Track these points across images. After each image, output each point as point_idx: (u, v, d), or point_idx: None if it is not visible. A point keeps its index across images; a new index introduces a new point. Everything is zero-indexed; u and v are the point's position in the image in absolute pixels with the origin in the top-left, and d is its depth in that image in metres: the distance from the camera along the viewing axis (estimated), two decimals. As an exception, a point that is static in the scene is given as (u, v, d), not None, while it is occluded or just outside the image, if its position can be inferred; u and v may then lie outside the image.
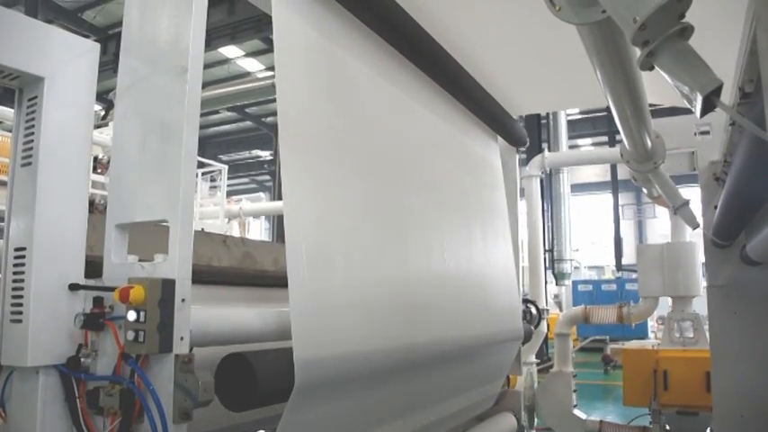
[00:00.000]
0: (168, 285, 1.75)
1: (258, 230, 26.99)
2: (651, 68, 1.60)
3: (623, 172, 25.77)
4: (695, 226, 4.14)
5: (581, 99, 5.57)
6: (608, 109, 3.01)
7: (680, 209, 4.14)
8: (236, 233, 13.43)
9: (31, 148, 1.98)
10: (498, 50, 3.97)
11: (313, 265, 2.17)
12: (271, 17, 2.27)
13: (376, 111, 3.00)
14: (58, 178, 1.98)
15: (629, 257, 25.11)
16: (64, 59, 2.05)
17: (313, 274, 2.16)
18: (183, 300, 1.79)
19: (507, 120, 4.73)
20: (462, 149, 4.19)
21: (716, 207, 4.03)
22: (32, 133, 1.99)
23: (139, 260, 1.92)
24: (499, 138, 4.93)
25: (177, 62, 1.91)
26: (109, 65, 11.91)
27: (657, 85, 2.91)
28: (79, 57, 2.07)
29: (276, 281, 2.99)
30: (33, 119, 1.99)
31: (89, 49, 2.11)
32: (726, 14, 2.57)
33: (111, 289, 1.81)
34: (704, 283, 5.82)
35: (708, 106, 1.54)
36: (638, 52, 2.40)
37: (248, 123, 24.83)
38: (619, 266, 21.87)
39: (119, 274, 1.89)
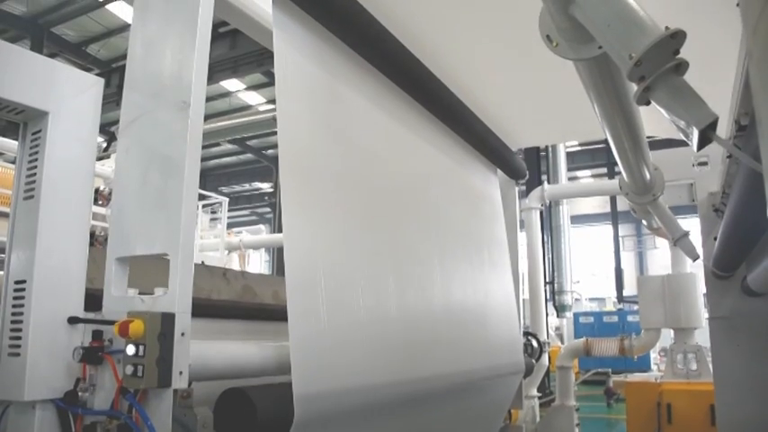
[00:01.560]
0: (168, 319, 1.75)
1: (258, 263, 26.92)
2: (648, 103, 1.62)
3: (623, 203, 25.82)
4: (695, 257, 4.13)
5: (580, 132, 5.63)
6: (607, 141, 3.03)
7: (680, 240, 4.14)
8: (235, 265, 13.39)
9: (33, 182, 2.00)
10: (497, 84, 4.03)
11: (313, 298, 2.17)
12: (272, 52, 2.31)
13: (376, 144, 3.03)
14: (59, 211, 1.99)
15: (630, 289, 24.99)
16: (68, 94, 2.08)
17: (313, 309, 2.15)
18: (182, 334, 1.78)
19: (506, 152, 4.77)
20: (462, 182, 4.21)
21: (715, 238, 4.04)
22: (35, 167, 2.01)
23: (140, 293, 1.91)
24: (498, 170, 4.96)
25: (180, 98, 1.93)
26: (112, 97, 12.00)
27: (655, 118, 2.95)
28: (83, 91, 2.10)
29: (276, 314, 2.98)
30: (37, 152, 2.01)
31: (93, 84, 2.14)
32: (721, 48, 2.61)
33: (111, 322, 1.80)
34: (706, 315, 5.80)
35: (704, 140, 1.56)
36: (634, 87, 2.44)
37: (249, 156, 24.96)
38: (620, 298, 21.75)
39: (119, 307, 1.88)
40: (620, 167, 3.50)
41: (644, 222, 5.22)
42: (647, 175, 3.68)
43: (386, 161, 3.09)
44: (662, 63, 1.49)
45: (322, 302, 2.22)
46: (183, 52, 1.97)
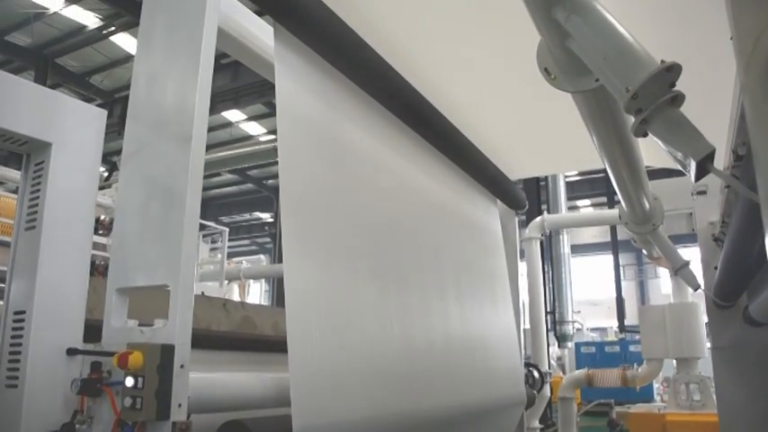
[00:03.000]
0: (167, 351, 1.74)
1: (258, 293, 26.80)
2: (645, 135, 1.64)
3: (623, 233, 25.80)
4: (696, 287, 4.12)
5: (579, 162, 5.66)
6: (606, 170, 3.05)
7: (680, 270, 4.14)
8: (236, 295, 13.33)
9: (35, 212, 2.01)
10: (496, 115, 4.06)
11: (313, 330, 2.16)
12: (272, 83, 2.34)
13: (377, 176, 3.04)
14: (60, 242, 2.00)
15: (631, 318, 24.82)
16: (71, 126, 2.11)
17: (313, 340, 2.14)
18: (181, 366, 1.77)
19: (506, 183, 4.79)
20: (462, 213, 4.22)
21: (716, 268, 4.03)
22: (38, 197, 2.03)
23: (139, 324, 1.91)
24: (498, 201, 4.97)
25: (182, 130, 1.95)
26: (114, 128, 12.12)
27: (653, 148, 2.97)
28: (86, 123, 2.13)
29: (276, 346, 2.96)
30: (39, 183, 2.02)
31: (96, 116, 2.18)
32: (718, 79, 2.65)
33: (110, 354, 1.79)
34: (708, 345, 5.76)
35: (702, 171, 1.57)
36: (632, 118, 2.47)
37: (249, 186, 25.05)
38: (621, 328, 21.59)
39: (118, 338, 1.87)
40: (620, 197, 3.52)
41: (644, 252, 5.22)
42: (647, 205, 3.69)
43: (386, 193, 3.11)
44: (658, 96, 1.51)
45: (322, 334, 2.21)
46: (185, 85, 1.99)
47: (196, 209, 1.91)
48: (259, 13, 2.57)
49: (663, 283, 26.20)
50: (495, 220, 4.86)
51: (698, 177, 1.61)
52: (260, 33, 2.51)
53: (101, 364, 1.88)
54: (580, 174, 22.44)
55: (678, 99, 1.55)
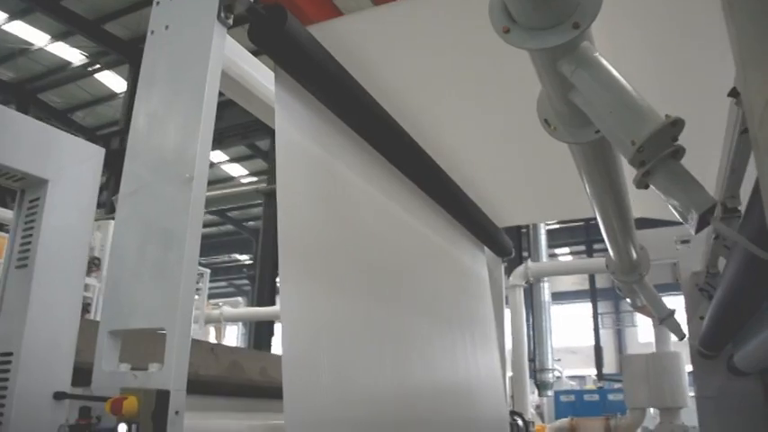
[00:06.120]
0: (162, 397, 1.68)
1: (234, 336, 26.32)
2: (646, 187, 1.67)
3: (602, 281, 26.04)
4: (682, 336, 4.15)
5: (565, 211, 5.73)
6: (585, 219, 3.10)
7: (666, 319, 4.16)
8: (212, 338, 13.06)
9: (27, 250, 1.97)
10: (486, 163, 4.12)
11: (310, 378, 2.12)
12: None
13: (370, 222, 3.05)
14: (52, 282, 1.95)
15: (609, 367, 24.80)
16: (68, 163, 2.08)
17: (310, 388, 2.10)
18: (176, 412, 1.71)
19: (494, 230, 4.82)
20: (451, 260, 4.23)
21: (701, 317, 4.07)
22: (31, 235, 1.98)
23: (131, 368, 1.85)
24: (486, 248, 5.00)
25: (183, 171, 1.93)
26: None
27: (640, 199, 3.02)
28: (84, 161, 2.11)
29: (264, 391, 2.90)
30: (33, 221, 1.98)
31: (94, 154, 2.15)
32: (706, 134, 2.72)
33: (101, 399, 1.73)
34: (691, 394, 5.76)
35: (703, 223, 1.60)
36: (625, 169, 2.51)
37: (229, 227, 24.89)
38: (600, 376, 21.54)
39: (109, 382, 1.81)
40: (608, 247, 3.55)
41: (628, 300, 5.25)
42: (634, 255, 3.74)
43: (380, 238, 3.11)
44: (662, 149, 1.54)
45: (319, 382, 2.17)
46: (187, 126, 1.98)
47: (196, 250, 1.88)
48: (256, 53, 2.60)
49: (640, 332, 26.31)
50: (482, 266, 4.88)
51: (698, 229, 1.63)
52: (261, 77, 2.53)
53: (90, 409, 1.81)
54: (560, 222, 22.73)
55: (679, 153, 1.59)
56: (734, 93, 1.73)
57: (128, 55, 14.26)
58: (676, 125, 1.50)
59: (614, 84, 1.57)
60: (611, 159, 2.28)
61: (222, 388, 2.70)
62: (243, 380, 2.91)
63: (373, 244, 3.01)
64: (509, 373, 6.49)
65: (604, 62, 1.60)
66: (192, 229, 1.88)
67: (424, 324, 3.41)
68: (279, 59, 2.33)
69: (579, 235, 24.27)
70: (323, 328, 2.32)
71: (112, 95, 16.05)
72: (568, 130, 2.00)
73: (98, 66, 15.21)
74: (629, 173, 2.50)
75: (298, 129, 2.48)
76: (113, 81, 15.67)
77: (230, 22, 2.07)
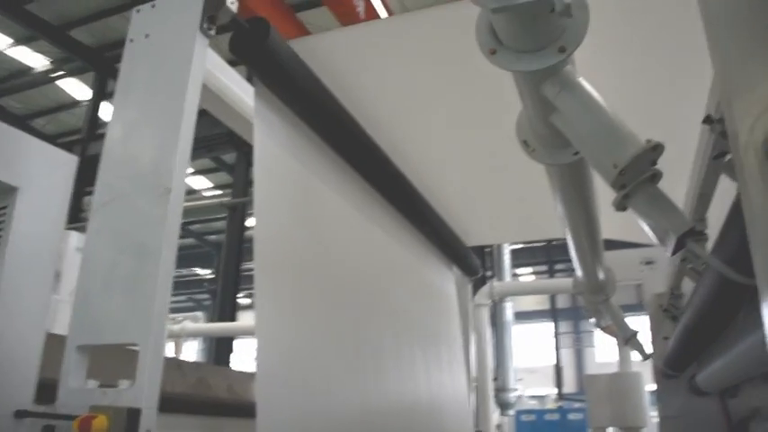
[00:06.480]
0: (133, 415, 1.63)
1: (192, 352, 25.75)
2: (624, 209, 1.70)
3: (563, 300, 26.42)
4: (646, 356, 4.21)
5: (534, 232, 5.79)
6: (548, 240, 3.15)
7: (631, 340, 4.23)
8: (170, 354, 12.77)
9: (-7, 261, 1.89)
10: (457, 182, 4.15)
11: (283, 396, 2.08)
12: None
13: (344, 238, 3.04)
14: (18, 292, 1.87)
15: (569, 386, 25.07)
16: (39, 171, 2.02)
17: (283, 407, 2.06)
18: (147, 431, 1.66)
19: (463, 249, 4.85)
20: (421, 278, 4.24)
21: (665, 338, 4.14)
22: (-3, 245, 1.91)
23: (100, 385, 1.79)
24: (454, 267, 5.02)
25: (160, 182, 1.89)
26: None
27: (607, 221, 3.08)
28: (55, 169, 2.05)
29: (231, 410, 2.84)
30: (1, 229, 1.91)
31: (66, 162, 2.09)
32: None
33: (66, 417, 1.66)
34: (651, 413, 5.85)
35: (679, 246, 1.64)
36: (599, 191, 2.55)
37: (190, 240, 24.46)
38: (560, 395, 21.76)
39: (76, 400, 1.74)
40: (577, 267, 3.60)
41: (592, 320, 5.33)
42: (601, 275, 3.80)
43: (353, 255, 3.10)
44: (641, 172, 1.58)
45: (291, 401, 2.13)
46: (166, 137, 1.94)
47: (171, 264, 1.84)
48: (233, 64, 2.57)
49: (598, 352, 26.72)
50: (450, 285, 4.89)
51: (675, 251, 1.67)
52: (240, 90, 2.50)
53: (54, 428, 1.74)
54: (522, 242, 23.04)
55: (657, 176, 1.63)
56: (708, 120, 1.78)
57: (93, 62, 13.99)
58: (656, 149, 1.53)
59: (597, 107, 1.60)
60: (586, 181, 2.32)
61: (188, 406, 2.63)
62: (211, 397, 2.85)
63: (346, 261, 3.00)
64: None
65: (587, 86, 1.64)
66: (168, 242, 1.84)
67: (393, 342, 3.40)
68: (260, 73, 2.31)
69: (541, 255, 24.61)
70: (296, 345, 2.29)
71: (75, 103, 15.70)
72: (548, 152, 2.03)
73: (62, 72, 14.89)
74: (601, 195, 2.55)
75: (276, 143, 2.47)
76: (77, 89, 15.34)
77: (212, 33, 2.05)
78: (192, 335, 13.42)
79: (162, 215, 1.84)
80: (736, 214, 1.57)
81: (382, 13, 8.44)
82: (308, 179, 2.70)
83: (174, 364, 2.82)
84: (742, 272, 1.61)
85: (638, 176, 1.58)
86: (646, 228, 1.74)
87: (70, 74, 14.87)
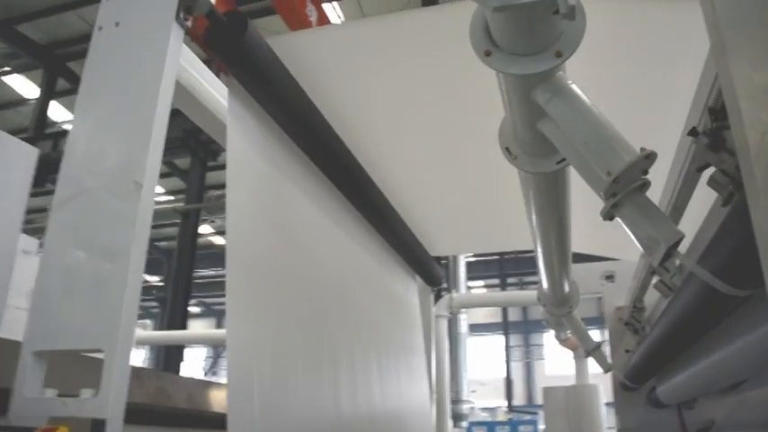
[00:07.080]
0: (98, 427, 1.51)
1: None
2: (611, 219, 1.68)
3: (514, 313, 26.76)
4: (608, 369, 4.25)
5: (499, 243, 5.81)
6: (501, 253, 3.15)
7: (593, 352, 4.26)
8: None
9: (-59, 259, 1.74)
10: (423, 191, 4.12)
11: (254, 406, 1.98)
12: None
13: (313, 245, 2.97)
14: (-31, 295, 1.73)
15: (518, 398, 25.37)
16: (-4, 164, 1.88)
17: (254, 417, 1.96)
18: (112, 443, 1.54)
19: (426, 259, 4.82)
20: (386, 287, 4.19)
21: (627, 351, 4.20)
22: (-54, 242, 1.76)
23: (59, 395, 1.66)
24: (417, 276, 4.98)
25: (130, 177, 1.78)
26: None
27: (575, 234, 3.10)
28: (15, 161, 1.91)
29: (192, 420, 2.72)
30: (-49, 226, 1.77)
31: (26, 154, 1.96)
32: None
33: (22, 429, 1.53)
34: (606, 426, 5.92)
35: (667, 256, 1.63)
36: (573, 203, 2.54)
37: (140, 246, 23.78)
38: (510, 407, 21.97)
39: (33, 410, 1.61)
40: (543, 279, 3.60)
41: (553, 332, 5.37)
42: (567, 288, 3.82)
43: (322, 262, 3.03)
44: (632, 181, 1.56)
45: (262, 410, 2.04)
46: (138, 131, 1.84)
47: (141, 264, 1.73)
48: (208, 63, 2.48)
49: (547, 365, 27.13)
50: (413, 295, 4.86)
51: (662, 261, 1.66)
52: (213, 89, 2.41)
53: (7, 440, 1.61)
54: (475, 255, 23.26)
55: (646, 186, 1.62)
56: (693, 132, 1.78)
57: (42, 59, 13.49)
58: (649, 158, 1.52)
59: (590, 114, 1.58)
60: (562, 192, 2.31)
61: (147, 417, 2.50)
62: (171, 407, 2.71)
63: (315, 265, 2.93)
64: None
65: (579, 92, 1.61)
66: (138, 242, 1.73)
67: (360, 351, 3.33)
68: (236, 69, 2.23)
69: (493, 269, 24.88)
70: (270, 354, 2.20)
71: (22, 101, 15.11)
72: (530, 160, 2.00)
73: (7, 68, 14.30)
74: (574, 207, 2.55)
75: (249, 143, 2.38)
76: (24, 86, 14.76)
77: (189, 23, 1.96)
78: (143, 343, 12.98)
79: (132, 212, 1.74)
80: (727, 226, 1.57)
81: (335, 22, 8.41)
82: (280, 182, 2.62)
83: (133, 373, 2.67)
84: (730, 283, 1.61)
85: (629, 185, 1.56)
86: (632, 237, 1.72)
87: (17, 70, 14.31)
